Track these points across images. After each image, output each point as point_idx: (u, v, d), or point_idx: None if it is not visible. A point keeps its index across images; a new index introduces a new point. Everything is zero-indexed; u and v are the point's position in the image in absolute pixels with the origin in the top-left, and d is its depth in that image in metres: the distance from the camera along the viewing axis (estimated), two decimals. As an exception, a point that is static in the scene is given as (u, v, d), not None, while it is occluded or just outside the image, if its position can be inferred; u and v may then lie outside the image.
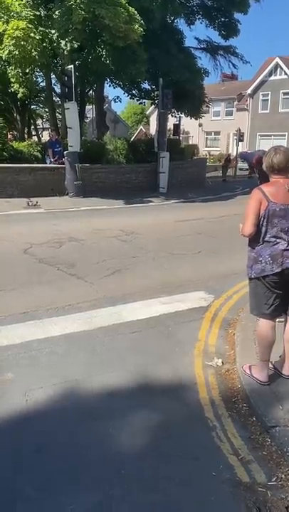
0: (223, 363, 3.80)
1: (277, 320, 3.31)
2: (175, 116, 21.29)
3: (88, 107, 22.62)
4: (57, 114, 18.79)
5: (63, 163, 14.03)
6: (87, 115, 23.50)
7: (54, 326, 4.47)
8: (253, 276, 3.19)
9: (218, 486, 2.48)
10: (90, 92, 19.94)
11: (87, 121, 24.52)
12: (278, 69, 36.52)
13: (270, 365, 3.42)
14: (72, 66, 13.34)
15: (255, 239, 3.13)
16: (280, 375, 3.38)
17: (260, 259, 3.09)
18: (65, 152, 13.92)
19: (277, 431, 2.82)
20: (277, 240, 3.05)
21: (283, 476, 2.52)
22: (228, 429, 2.94)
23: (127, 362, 3.79)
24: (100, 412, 3.12)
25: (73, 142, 13.77)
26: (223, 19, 19.27)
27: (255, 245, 3.14)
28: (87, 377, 3.54)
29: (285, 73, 35.87)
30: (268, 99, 37.59)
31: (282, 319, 3.38)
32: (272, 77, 37.03)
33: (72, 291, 5.53)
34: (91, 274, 6.19)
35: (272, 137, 35.69)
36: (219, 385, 3.47)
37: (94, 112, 21.79)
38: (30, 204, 12.28)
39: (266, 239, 3.08)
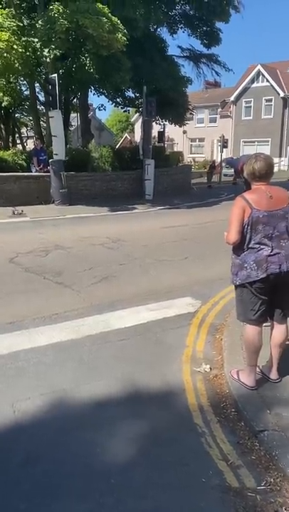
0: (211, 368, 3.81)
1: (264, 325, 3.34)
2: (159, 124, 21.46)
3: (73, 115, 22.66)
4: (41, 123, 18.79)
5: (48, 172, 14.01)
6: (72, 123, 23.55)
7: (41, 335, 4.43)
8: (238, 283, 3.20)
9: (208, 492, 2.48)
10: (75, 100, 19.99)
11: (72, 129, 24.57)
12: (260, 76, 37.20)
13: (258, 370, 3.45)
14: (55, 75, 13.40)
15: (239, 246, 3.15)
16: (268, 380, 3.41)
17: (245, 265, 3.11)
18: (50, 160, 13.92)
19: (265, 435, 2.83)
20: (262, 246, 3.07)
21: (272, 480, 2.53)
22: (217, 435, 2.95)
23: (115, 370, 3.78)
24: (88, 421, 3.11)
25: (58, 150, 13.77)
26: (204, 28, 19.59)
27: (240, 252, 3.16)
28: (75, 387, 3.51)
29: (267, 80, 36.54)
30: (250, 106, 38.22)
31: (269, 324, 3.41)
32: (255, 84, 37.67)
33: (59, 299, 5.50)
34: (78, 282, 6.17)
35: (256, 143, 36.22)
36: (207, 391, 3.48)
37: (79, 120, 21.81)
38: (16, 213, 12.20)
39: (250, 245, 3.10)
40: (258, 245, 3.08)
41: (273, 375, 3.40)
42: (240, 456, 2.74)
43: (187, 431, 3.00)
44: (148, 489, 2.49)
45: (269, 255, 3.05)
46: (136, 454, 2.78)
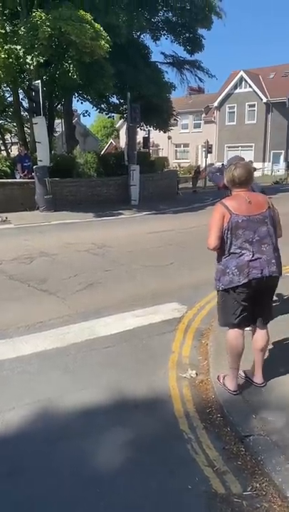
0: (197, 374, 3.81)
1: (246, 329, 3.36)
2: (144, 130, 21.56)
3: (57, 121, 22.61)
4: (25, 129, 18.70)
5: (33, 178, 13.94)
6: (57, 129, 23.46)
7: (25, 344, 4.38)
8: (221, 289, 3.22)
9: (194, 499, 2.47)
10: (59, 106, 19.96)
11: (56, 135, 24.48)
12: (243, 82, 37.67)
13: (243, 375, 3.47)
14: (39, 81, 13.37)
15: (221, 251, 3.18)
16: (253, 384, 3.42)
17: (227, 270, 3.13)
18: (35, 167, 13.85)
19: (251, 440, 2.84)
20: (243, 251, 3.09)
21: (258, 485, 2.53)
22: (203, 441, 2.94)
23: (101, 378, 3.75)
24: (73, 430, 3.08)
25: (42, 156, 13.72)
26: (187, 35, 19.79)
27: (222, 258, 3.19)
28: (60, 396, 3.48)
29: (250, 86, 37.02)
30: (234, 112, 38.64)
31: (250, 329, 3.44)
32: (238, 90, 38.13)
33: (44, 307, 5.45)
34: (63, 289, 6.13)
35: (240, 148, 36.58)
36: (193, 397, 3.48)
37: (63, 126, 21.77)
38: (0, 220, 12.10)
39: (232, 250, 3.12)
40: (239, 250, 3.10)
41: (258, 379, 3.41)
42: (226, 462, 2.74)
43: (173, 438, 2.99)
44: (135, 498, 2.48)
45: (250, 260, 3.07)
46: (123, 462, 2.76)
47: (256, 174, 3.55)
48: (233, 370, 3.33)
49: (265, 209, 3.14)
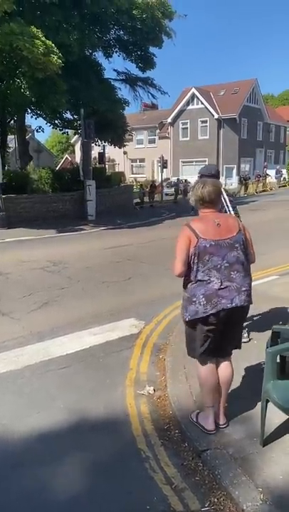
0: (154, 390, 3.80)
1: None
2: (99, 145, 21.64)
3: (10, 136, 22.26)
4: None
5: (-15, 195, 13.61)
6: (10, 145, 23.07)
7: (-23, 368, 4.21)
8: (187, 319, 2.92)
9: (153, 520, 2.44)
10: (11, 122, 19.69)
11: (9, 151, 24.05)
12: (195, 99, 38.77)
13: (194, 419, 3.19)
14: (-11, 97, 13.15)
15: (187, 278, 2.91)
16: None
17: (194, 299, 2.86)
18: (-13, 183, 13.54)
19: (208, 454, 2.85)
20: (211, 279, 2.82)
21: (216, 499, 2.54)
22: (161, 458, 2.92)
23: (57, 400, 3.66)
24: (28, 457, 2.97)
25: (-5, 173, 13.46)
26: (139, 52, 20.18)
27: (188, 285, 2.91)
28: (14, 421, 3.36)
29: (202, 102, 38.15)
30: (187, 127, 39.63)
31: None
32: (190, 107, 39.18)
33: (-3, 329, 5.27)
34: (17, 309, 5.97)
35: (194, 163, 37.42)
36: (151, 414, 3.46)
37: (16, 142, 21.45)
38: None
39: (199, 278, 2.84)
40: (207, 277, 2.83)
41: (221, 419, 3.11)
42: (184, 479, 2.73)
43: (131, 457, 2.95)
44: (92, 524, 2.42)
45: (219, 288, 2.81)
46: (79, 489, 2.69)
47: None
48: (208, 409, 3.06)
49: (236, 232, 2.89)
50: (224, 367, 3.08)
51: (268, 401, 2.82)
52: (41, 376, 4.08)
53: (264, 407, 2.84)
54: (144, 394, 3.74)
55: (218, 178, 4.05)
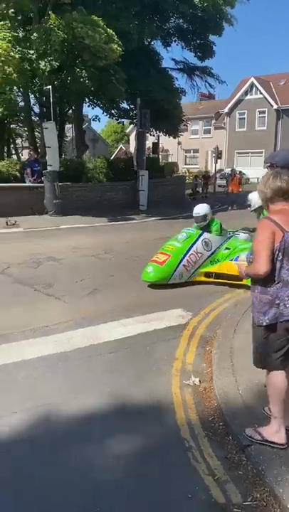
0: (200, 381, 3.79)
1: None
2: (154, 135, 21.62)
3: (68, 126, 22.78)
4: (36, 134, 18.86)
5: (42, 182, 14.04)
6: (67, 134, 23.65)
7: (30, 348, 4.40)
8: (265, 324, 2.67)
9: (194, 508, 2.45)
10: (69, 111, 20.11)
11: (66, 140, 24.66)
12: (254, 88, 37.69)
13: (268, 412, 2.95)
14: (50, 87, 13.49)
15: (267, 278, 2.63)
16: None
17: (278, 301, 2.62)
18: (44, 171, 13.95)
19: (252, 449, 2.81)
20: None
21: (258, 495, 2.51)
22: (205, 449, 2.92)
23: (104, 383, 3.75)
24: (76, 437, 3.07)
25: (52, 161, 13.83)
26: (198, 41, 19.84)
27: (270, 285, 2.65)
28: (62, 401, 3.48)
29: (261, 92, 37.02)
30: (244, 118, 38.67)
31: None
32: (248, 97, 38.15)
33: (49, 311, 5.47)
34: (69, 294, 6.15)
35: (250, 154, 36.56)
36: (196, 405, 3.46)
37: (73, 132, 21.93)
38: (9, 223, 12.19)
39: (284, 277, 2.62)
40: None
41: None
42: (227, 471, 2.72)
43: (175, 446, 2.97)
44: (135, 507, 2.47)
45: None
46: (123, 470, 2.75)
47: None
48: (279, 420, 2.78)
49: None
50: None
51: None
52: (90, 359, 4.19)
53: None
54: (189, 384, 3.75)
55: None
